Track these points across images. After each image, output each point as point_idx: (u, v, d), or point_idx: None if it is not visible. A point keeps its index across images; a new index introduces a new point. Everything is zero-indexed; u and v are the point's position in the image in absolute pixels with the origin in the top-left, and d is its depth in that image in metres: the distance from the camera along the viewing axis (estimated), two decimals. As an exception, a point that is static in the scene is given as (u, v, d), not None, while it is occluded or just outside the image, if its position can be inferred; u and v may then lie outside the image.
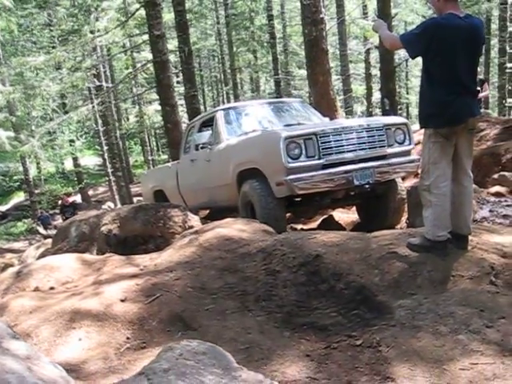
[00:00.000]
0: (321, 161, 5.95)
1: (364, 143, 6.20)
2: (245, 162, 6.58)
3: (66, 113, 22.50)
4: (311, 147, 5.92)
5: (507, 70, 22.95)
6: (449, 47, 4.00)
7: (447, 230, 4.20)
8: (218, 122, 7.51)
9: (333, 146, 6.01)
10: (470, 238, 4.32)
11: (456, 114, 4.05)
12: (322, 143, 5.94)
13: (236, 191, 6.73)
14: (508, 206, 6.02)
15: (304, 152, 5.91)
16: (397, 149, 6.46)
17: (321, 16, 10.55)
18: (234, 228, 5.40)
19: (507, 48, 22.54)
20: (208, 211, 9.31)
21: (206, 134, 7.46)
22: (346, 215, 8.32)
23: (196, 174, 7.96)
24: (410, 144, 6.61)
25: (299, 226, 8.28)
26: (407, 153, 6.58)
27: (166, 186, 9.25)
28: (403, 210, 7.02)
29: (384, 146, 6.33)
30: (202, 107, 30.27)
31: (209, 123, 7.92)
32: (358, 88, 26.52)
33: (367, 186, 6.13)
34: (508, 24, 23.04)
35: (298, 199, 6.43)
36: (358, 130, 6.20)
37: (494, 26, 27.55)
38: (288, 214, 7.17)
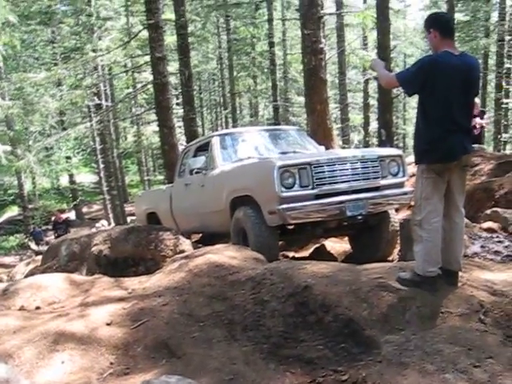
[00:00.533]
0: (314, 191, 5.94)
1: (358, 174, 6.19)
2: (238, 189, 6.57)
3: (64, 129, 22.56)
4: (305, 177, 5.91)
5: (503, 106, 23.16)
6: (444, 85, 4.04)
7: (437, 266, 4.19)
8: (214, 148, 7.51)
9: (327, 177, 6.00)
10: (460, 274, 4.31)
11: (449, 150, 4.08)
12: (315, 173, 5.93)
13: (229, 217, 6.71)
14: (499, 242, 6.00)
15: (298, 181, 5.89)
16: (390, 180, 6.46)
17: (320, 46, 10.65)
18: (224, 255, 5.38)
19: (503, 84, 22.77)
20: (200, 235, 9.27)
21: (201, 159, 7.45)
22: (338, 245, 8.29)
23: (189, 198, 7.95)
24: (403, 176, 6.62)
25: (291, 254, 8.26)
26: (401, 185, 6.59)
27: (159, 208, 9.23)
28: (396, 242, 7.01)
29: (378, 178, 6.34)
30: (200, 130, 30.41)
31: (204, 148, 7.92)
32: (356, 117, 26.78)
33: (360, 217, 6.11)
34: (505, 60, 23.33)
35: (291, 227, 6.41)
36: (352, 161, 6.20)
37: (492, 62, 27.86)
38: (280, 242, 7.14)
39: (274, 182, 5.79)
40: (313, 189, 5.94)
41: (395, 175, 6.55)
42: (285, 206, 5.80)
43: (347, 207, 5.98)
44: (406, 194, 6.47)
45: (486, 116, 12.05)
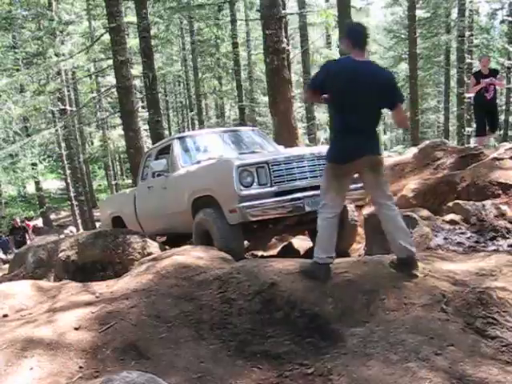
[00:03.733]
0: (273, 188, 6.05)
1: (315, 171, 6.30)
2: (199, 190, 6.64)
3: (29, 136, 22.25)
4: (263, 175, 6.03)
5: (465, 100, 23.56)
6: (337, 87, 4.28)
7: (328, 254, 4.39)
8: (174, 150, 7.56)
9: (284, 174, 6.13)
10: (422, 265, 4.40)
11: (340, 153, 4.36)
12: (273, 171, 6.06)
13: (191, 218, 6.75)
14: (462, 233, 6.13)
15: (256, 180, 6.01)
16: None
17: (282, 46, 10.69)
18: (191, 255, 5.40)
19: (465, 78, 23.17)
20: (165, 237, 9.26)
21: (163, 162, 7.47)
22: (306, 242, 8.37)
23: (153, 200, 7.96)
24: None
25: (260, 253, 8.31)
26: (355, 180, 6.70)
27: (123, 212, 9.19)
28: (355, 235, 7.21)
29: None
30: (166, 132, 30.24)
31: (166, 151, 7.94)
32: (322, 116, 26.89)
33: None
34: (466, 55, 23.76)
35: (254, 226, 6.48)
36: (309, 159, 6.33)
37: (453, 57, 28.33)
38: (246, 242, 7.20)
39: (233, 180, 5.90)
40: (271, 186, 6.06)
41: None
42: (244, 203, 5.90)
43: (306, 203, 6.08)
44: (360, 188, 6.57)
45: (498, 76, 11.02)
